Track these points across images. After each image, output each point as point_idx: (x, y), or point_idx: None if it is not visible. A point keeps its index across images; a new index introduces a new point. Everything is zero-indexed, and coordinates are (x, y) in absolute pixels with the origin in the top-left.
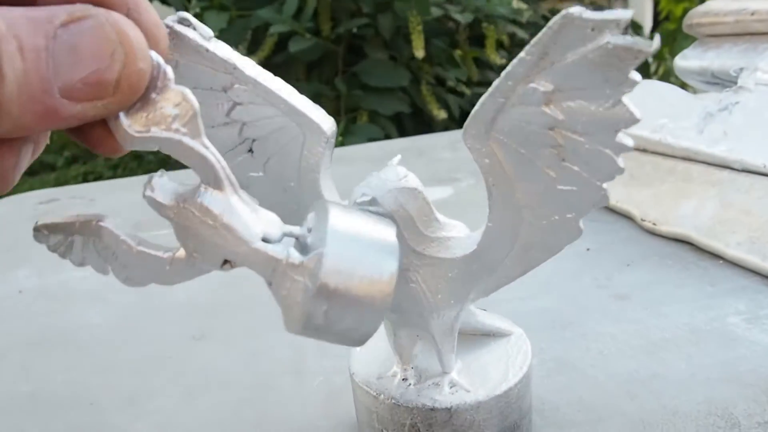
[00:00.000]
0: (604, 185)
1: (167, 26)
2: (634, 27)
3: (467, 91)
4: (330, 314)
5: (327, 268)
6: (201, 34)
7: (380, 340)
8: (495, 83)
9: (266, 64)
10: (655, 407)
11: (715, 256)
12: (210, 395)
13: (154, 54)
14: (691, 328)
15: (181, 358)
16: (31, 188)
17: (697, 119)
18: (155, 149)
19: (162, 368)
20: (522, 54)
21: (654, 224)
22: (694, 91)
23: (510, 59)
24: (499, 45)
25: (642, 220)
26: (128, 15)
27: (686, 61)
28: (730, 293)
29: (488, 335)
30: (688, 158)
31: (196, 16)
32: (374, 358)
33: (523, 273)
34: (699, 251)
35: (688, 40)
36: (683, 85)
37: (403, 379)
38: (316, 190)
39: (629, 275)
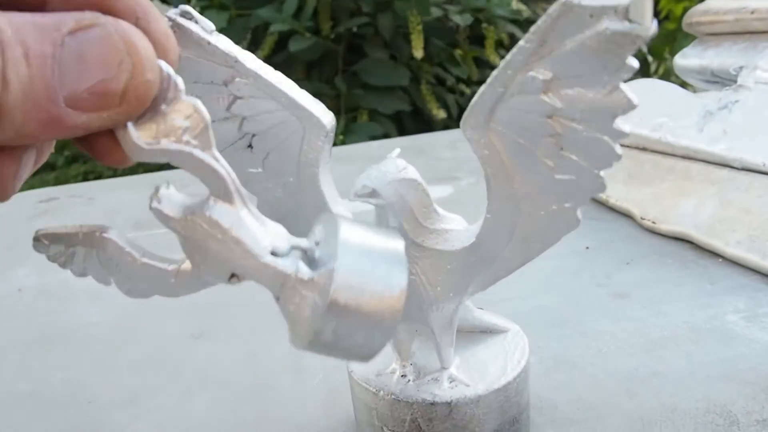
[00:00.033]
0: (602, 173)
1: (169, 19)
2: None
3: (467, 91)
4: (339, 331)
5: (338, 284)
6: (203, 28)
7: None
8: (494, 73)
9: (267, 63)
10: (655, 405)
11: (715, 254)
12: (209, 394)
13: (164, 65)
14: (690, 327)
15: (180, 357)
16: (31, 187)
17: (696, 118)
18: (164, 161)
19: (161, 367)
20: (521, 42)
21: (654, 223)
22: (695, 90)
23: None
24: (499, 45)
25: (642, 218)
26: (137, 24)
27: (686, 59)
28: (729, 291)
29: (485, 332)
30: (688, 157)
31: None
32: None
33: (521, 265)
34: (698, 249)
35: (689, 39)
36: (683, 85)
37: (402, 376)
38: (316, 185)
39: (629, 274)
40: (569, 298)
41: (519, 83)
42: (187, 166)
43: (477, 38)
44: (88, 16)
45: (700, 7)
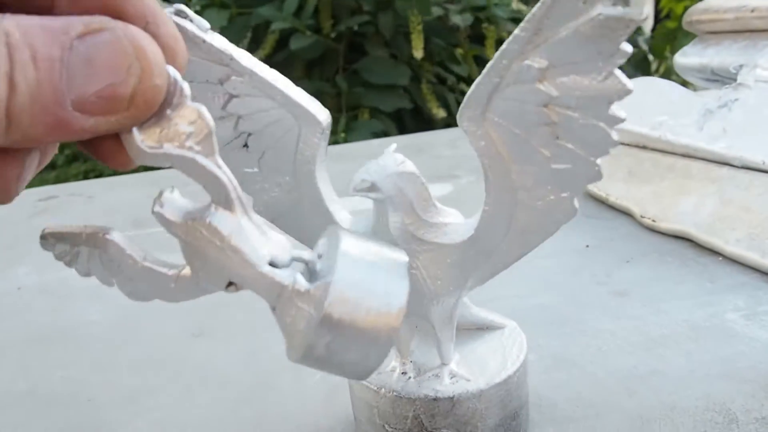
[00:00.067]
0: (598, 161)
1: None
2: None
3: (467, 89)
4: (332, 346)
5: (333, 297)
6: (198, 26)
7: None
8: (490, 63)
9: (267, 62)
10: (654, 403)
11: (715, 252)
12: (209, 393)
13: (171, 69)
14: (690, 325)
15: (180, 356)
16: (32, 186)
17: (696, 116)
18: (167, 166)
19: (161, 366)
20: (516, 31)
21: (653, 221)
22: (695, 89)
23: None
24: (499, 44)
25: (641, 216)
26: (146, 29)
27: (686, 58)
28: (729, 290)
29: (483, 329)
30: (688, 155)
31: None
32: None
33: (518, 257)
34: (698, 248)
35: (689, 37)
36: (684, 84)
37: (402, 373)
38: (312, 182)
39: (628, 272)
40: (569, 296)
41: (514, 72)
42: (189, 171)
43: (477, 37)
44: (97, 20)
45: (700, 5)
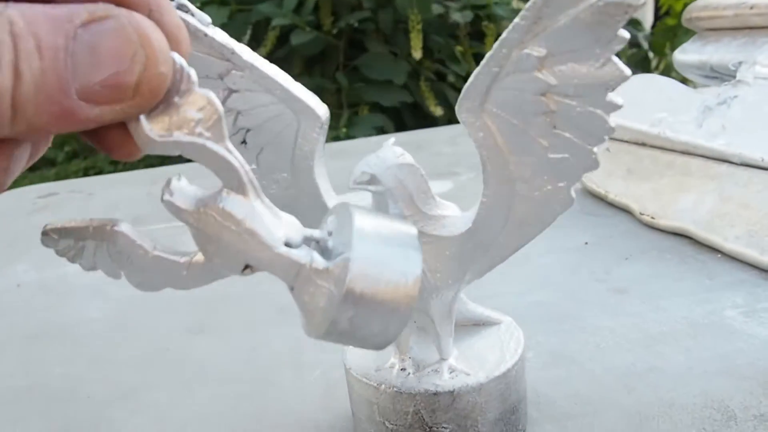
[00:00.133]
0: (595, 149)
1: None
2: (634, 23)
3: None
4: (355, 320)
5: (354, 273)
6: (199, 20)
7: None
8: (489, 53)
9: (268, 58)
10: (652, 400)
11: (714, 249)
12: (208, 389)
13: (177, 57)
14: (689, 322)
15: (179, 352)
16: (31, 183)
17: (695, 113)
18: (176, 153)
19: (160, 362)
20: (516, 20)
21: (653, 218)
22: (695, 86)
23: None
24: None
25: (641, 213)
26: (150, 16)
27: (685, 54)
28: (728, 287)
29: (479, 324)
30: (687, 152)
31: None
32: (369, 352)
33: (516, 249)
34: (697, 245)
35: (689, 35)
36: (684, 81)
37: (401, 369)
38: (311, 177)
39: (627, 269)
40: (568, 293)
41: (514, 61)
42: (200, 158)
43: (477, 34)
44: (102, 8)
45: (699, 2)
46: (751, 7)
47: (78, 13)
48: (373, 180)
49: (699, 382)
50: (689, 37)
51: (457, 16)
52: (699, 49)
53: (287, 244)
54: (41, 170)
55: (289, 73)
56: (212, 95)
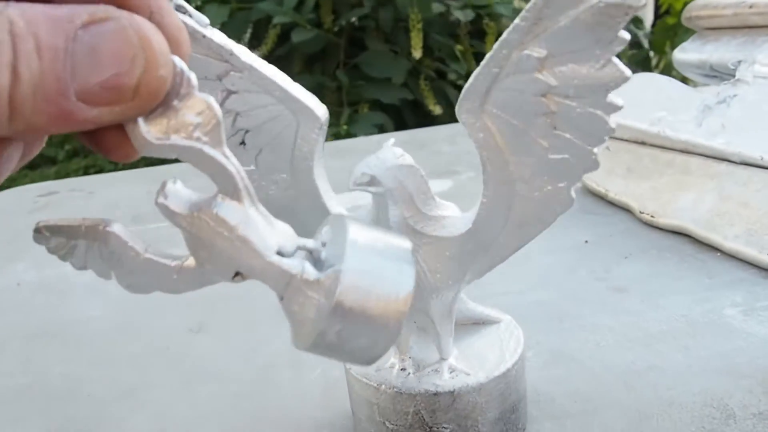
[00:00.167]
0: (595, 149)
1: None
2: (634, 21)
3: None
4: (343, 334)
5: (344, 285)
6: (197, 21)
7: None
8: (489, 54)
9: (269, 56)
10: (652, 398)
11: (713, 248)
12: (207, 387)
13: (177, 60)
14: (688, 320)
15: (178, 351)
16: (32, 182)
17: (695, 112)
18: (173, 157)
19: (160, 361)
20: (517, 20)
21: (652, 217)
22: (694, 85)
23: None
24: None
25: (640, 212)
26: (151, 18)
27: (685, 53)
28: (727, 285)
29: (479, 323)
30: (687, 151)
31: (196, 9)
32: None
33: (516, 250)
34: (697, 244)
35: (689, 34)
36: (684, 80)
37: (401, 369)
38: (310, 178)
39: (627, 268)
40: (568, 292)
41: (514, 62)
42: (197, 162)
43: (478, 33)
44: (102, 9)
45: (699, 1)
46: (751, 6)
47: (78, 14)
48: (373, 181)
49: (698, 380)
50: (689, 36)
51: (458, 15)
52: (698, 48)
53: (279, 253)
54: (41, 168)
55: (290, 71)
56: (212, 100)
